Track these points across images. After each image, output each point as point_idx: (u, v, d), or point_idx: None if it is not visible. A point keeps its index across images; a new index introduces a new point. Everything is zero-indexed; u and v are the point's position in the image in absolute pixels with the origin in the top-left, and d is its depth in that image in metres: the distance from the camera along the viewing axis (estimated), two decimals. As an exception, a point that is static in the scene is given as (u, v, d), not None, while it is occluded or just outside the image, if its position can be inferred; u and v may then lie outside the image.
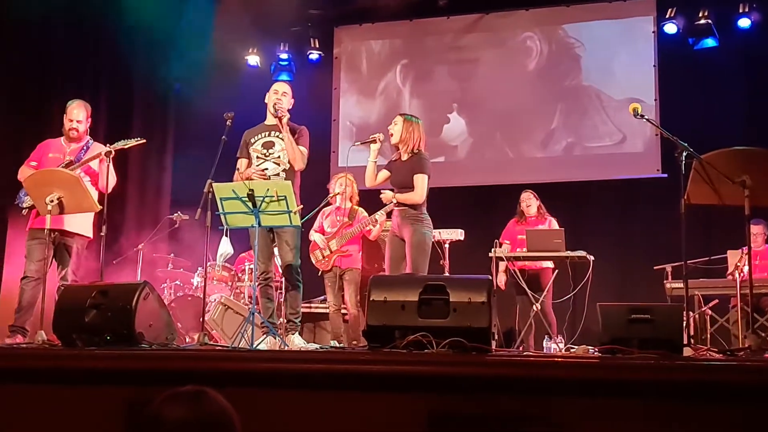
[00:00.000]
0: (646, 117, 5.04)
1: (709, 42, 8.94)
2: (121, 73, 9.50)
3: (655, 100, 8.93)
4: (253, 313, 5.13)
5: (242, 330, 5.15)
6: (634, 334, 3.86)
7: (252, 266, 6.74)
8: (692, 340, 5.23)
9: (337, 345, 6.44)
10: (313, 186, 6.77)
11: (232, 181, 5.50)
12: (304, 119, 5.96)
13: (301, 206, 5.52)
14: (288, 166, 5.67)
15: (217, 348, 4.89)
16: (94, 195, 5.80)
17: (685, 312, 4.82)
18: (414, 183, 5.77)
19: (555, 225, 7.62)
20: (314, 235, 7.12)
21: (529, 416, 3.21)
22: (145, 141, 6.12)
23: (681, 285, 5.94)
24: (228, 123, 5.48)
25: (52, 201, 5.29)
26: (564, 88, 9.41)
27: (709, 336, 7.06)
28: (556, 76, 9.47)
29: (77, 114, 6.18)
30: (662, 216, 7.77)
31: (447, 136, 9.40)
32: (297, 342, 5.45)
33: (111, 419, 3.52)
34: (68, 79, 8.87)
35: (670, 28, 9.04)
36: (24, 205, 5.97)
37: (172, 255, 8.40)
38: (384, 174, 6.01)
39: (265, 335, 5.40)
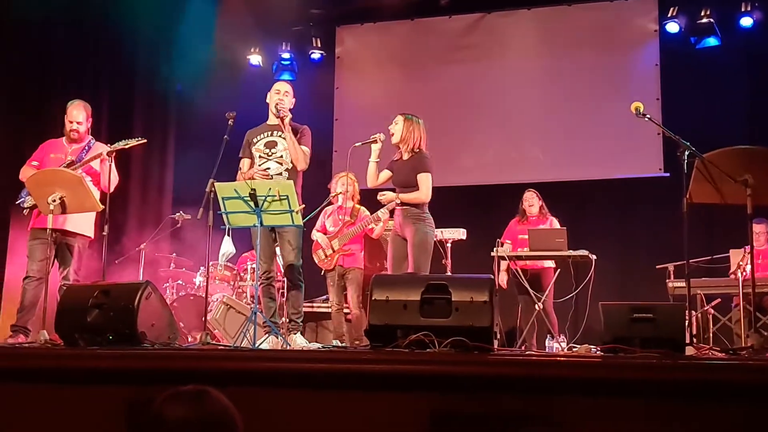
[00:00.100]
0: (648, 116, 5.03)
1: (711, 41, 8.94)
2: (122, 73, 9.51)
3: (657, 99, 8.92)
4: (255, 313, 5.13)
5: (244, 329, 5.16)
6: (637, 333, 3.86)
7: (254, 266, 6.74)
8: (694, 340, 5.22)
9: (340, 344, 6.45)
10: (314, 186, 6.78)
11: (234, 180, 5.50)
12: (305, 119, 5.96)
13: (303, 206, 5.52)
14: (291, 165, 5.67)
15: (220, 347, 4.89)
16: (96, 195, 5.80)
17: (687, 311, 4.82)
18: (418, 182, 5.76)
19: (556, 224, 7.61)
20: (316, 235, 7.12)
21: (531, 415, 3.21)
22: (146, 141, 6.11)
23: (683, 284, 5.95)
24: (230, 122, 5.48)
25: (54, 201, 5.30)
26: (566, 87, 9.39)
27: (711, 335, 7.06)
28: (557, 75, 9.46)
29: (77, 115, 6.18)
30: (664, 215, 7.76)
31: (449, 135, 9.39)
32: (299, 341, 5.45)
33: (113, 419, 3.52)
34: (69, 78, 8.88)
35: (672, 28, 9.04)
36: (25, 205, 5.97)
37: (174, 254, 8.41)
38: (385, 174, 6.00)
39: (267, 335, 5.40)
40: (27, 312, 5.84)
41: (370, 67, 10.11)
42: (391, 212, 6.13)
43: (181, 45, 9.09)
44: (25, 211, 6.02)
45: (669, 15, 9.01)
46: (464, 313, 3.79)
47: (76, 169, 5.84)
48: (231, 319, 7.15)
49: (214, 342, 5.38)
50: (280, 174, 5.63)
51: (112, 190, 5.76)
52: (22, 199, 6.00)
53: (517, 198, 7.93)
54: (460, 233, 7.34)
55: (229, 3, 9.20)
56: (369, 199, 6.93)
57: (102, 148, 5.99)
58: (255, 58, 10.18)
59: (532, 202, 7.77)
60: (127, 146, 5.86)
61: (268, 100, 5.86)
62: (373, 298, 3.96)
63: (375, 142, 5.94)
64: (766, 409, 3.07)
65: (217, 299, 7.43)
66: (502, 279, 7.48)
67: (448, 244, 7.28)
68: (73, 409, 3.70)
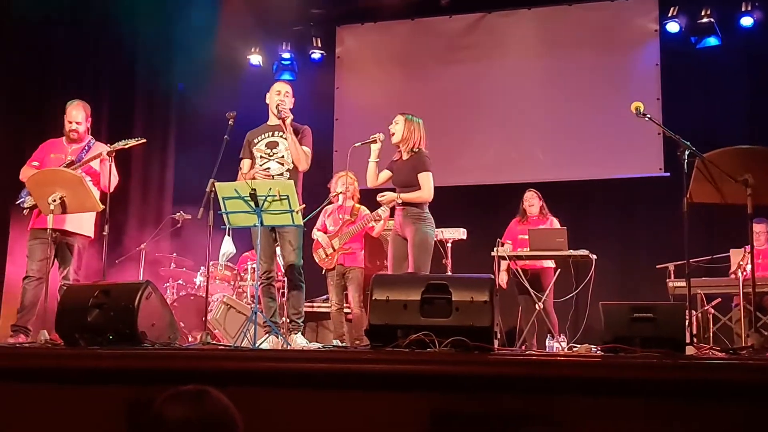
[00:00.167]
0: (648, 116, 5.02)
1: (712, 41, 8.94)
2: (122, 73, 9.51)
3: (658, 98, 8.91)
4: (255, 313, 5.13)
5: (245, 329, 5.15)
6: (637, 332, 3.85)
7: (254, 265, 6.74)
8: (695, 339, 5.21)
9: (340, 344, 6.45)
10: (314, 186, 6.78)
11: (235, 181, 5.49)
12: (306, 118, 5.96)
13: (303, 205, 5.52)
14: (292, 166, 5.67)
15: (220, 347, 4.89)
16: (96, 194, 5.80)
17: (687, 311, 4.81)
18: (420, 182, 5.76)
19: (557, 225, 7.61)
20: (317, 234, 7.13)
21: (531, 415, 3.21)
22: (145, 141, 6.11)
23: (683, 284, 5.94)
24: (230, 122, 5.48)
25: (54, 201, 5.30)
26: (566, 87, 9.39)
27: (711, 335, 7.06)
28: (558, 75, 9.46)
29: (76, 115, 6.19)
30: (665, 215, 7.77)
31: (449, 135, 9.38)
32: (299, 341, 5.45)
33: (113, 419, 3.52)
34: (69, 78, 8.87)
35: (673, 27, 9.03)
36: (25, 205, 5.98)
37: (174, 254, 8.41)
38: (385, 174, 6.00)
39: (267, 334, 5.40)
40: (27, 312, 5.84)
41: (371, 67, 10.10)
42: (392, 212, 6.13)
43: (181, 45, 9.09)
44: (25, 211, 6.02)
45: (669, 15, 9.01)
46: (464, 313, 3.79)
47: (76, 169, 5.84)
48: (231, 319, 7.15)
49: (214, 342, 5.38)
50: (282, 174, 5.62)
51: (111, 190, 5.76)
52: (22, 199, 6.01)
53: (517, 198, 7.93)
54: (461, 233, 7.34)
55: (230, 3, 9.19)
56: (369, 198, 6.93)
57: (102, 148, 5.99)
58: (255, 58, 10.18)
59: (532, 202, 7.77)
60: (126, 146, 5.86)
61: (267, 101, 5.85)
62: (373, 298, 3.96)
63: (374, 142, 5.94)
64: (767, 409, 3.07)
65: (218, 299, 7.43)
66: (503, 279, 7.48)
67: (449, 244, 7.29)
68: (73, 409, 3.70)
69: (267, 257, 5.63)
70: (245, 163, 5.79)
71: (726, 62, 8.88)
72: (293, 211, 5.05)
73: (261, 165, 5.68)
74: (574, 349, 5.59)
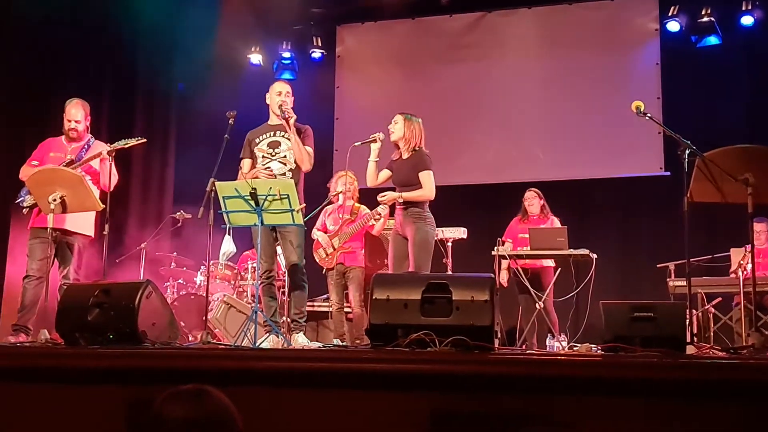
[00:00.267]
0: (648, 115, 5.02)
1: (712, 40, 8.94)
2: (123, 72, 9.51)
3: (658, 98, 8.91)
4: (255, 312, 5.13)
5: (245, 328, 5.15)
6: (637, 332, 3.85)
7: (254, 265, 6.74)
8: (695, 338, 5.21)
9: (340, 343, 6.45)
10: (314, 185, 6.78)
11: (235, 180, 5.49)
12: (306, 118, 5.95)
13: (304, 205, 5.51)
14: (294, 165, 5.66)
15: (220, 347, 4.89)
16: (96, 194, 5.80)
17: (687, 310, 4.81)
18: (421, 180, 5.76)
19: (557, 224, 7.61)
20: (317, 234, 7.13)
21: (531, 415, 3.21)
22: (145, 140, 6.11)
23: (684, 283, 5.94)
24: (230, 121, 5.48)
25: (55, 200, 5.30)
26: (566, 86, 9.39)
27: (712, 334, 7.06)
28: (558, 74, 9.45)
29: (75, 114, 6.18)
30: (665, 214, 7.77)
31: (449, 134, 9.39)
32: (300, 341, 5.45)
33: (114, 418, 3.52)
34: (70, 78, 8.86)
35: (673, 26, 9.03)
36: (25, 204, 5.97)
37: (174, 253, 8.41)
38: (385, 173, 6.00)
39: (267, 334, 5.41)
40: (28, 311, 5.84)
41: (371, 66, 10.10)
42: (392, 211, 6.13)
43: (182, 44, 9.09)
44: (25, 210, 6.02)
45: (670, 14, 9.01)
46: (465, 312, 3.79)
47: (75, 168, 5.84)
48: (231, 318, 7.15)
49: (214, 341, 5.39)
50: (284, 174, 5.61)
51: (111, 189, 5.75)
52: (22, 198, 6.00)
53: (517, 197, 7.93)
54: (461, 232, 7.34)
55: (230, 2, 9.19)
56: (368, 198, 6.93)
57: (101, 147, 5.99)
58: (256, 57, 10.18)
59: (532, 202, 7.76)
60: (126, 146, 5.86)
61: (268, 101, 5.84)
62: (373, 297, 3.96)
63: (374, 141, 5.95)
64: (767, 409, 3.06)
65: (218, 298, 7.43)
66: (503, 278, 7.48)
67: (449, 243, 7.28)
68: (73, 409, 3.70)
69: (267, 256, 5.62)
70: (245, 163, 5.77)
71: (726, 61, 8.88)
72: (293, 210, 5.05)
73: (263, 165, 5.67)
74: (575, 348, 5.59)
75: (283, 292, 6.75)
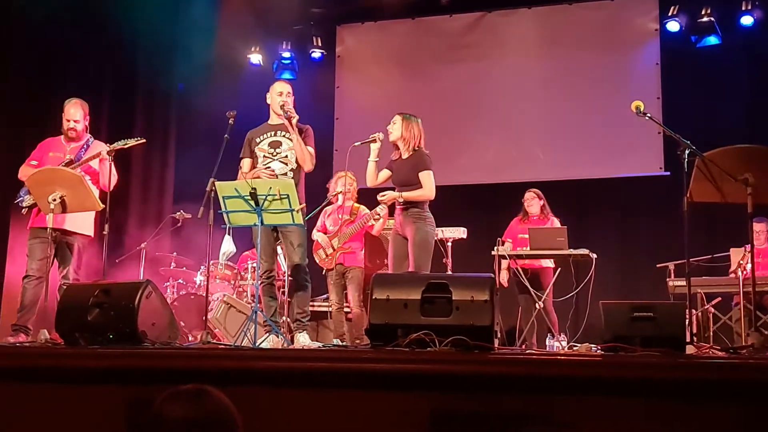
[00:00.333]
0: (648, 115, 5.02)
1: (712, 40, 8.94)
2: (123, 72, 9.52)
3: (658, 98, 8.91)
4: (255, 312, 5.13)
5: (245, 328, 5.15)
6: (637, 332, 3.85)
7: (254, 264, 6.74)
8: (695, 338, 5.22)
9: (340, 343, 6.45)
10: (314, 185, 6.78)
11: (235, 180, 5.48)
12: (306, 118, 5.94)
13: (304, 204, 5.51)
14: (295, 165, 5.65)
15: (220, 347, 4.89)
16: (96, 194, 5.80)
17: (687, 310, 4.81)
18: (421, 180, 5.76)
19: (557, 225, 7.61)
20: (316, 235, 7.13)
21: (531, 415, 3.21)
22: (145, 141, 6.11)
23: (683, 283, 5.95)
24: (230, 121, 5.48)
25: (54, 200, 5.30)
26: (566, 86, 9.39)
27: (711, 334, 7.05)
28: (558, 74, 9.45)
29: (74, 113, 6.18)
30: (665, 214, 7.77)
31: (449, 134, 9.39)
32: (302, 340, 5.45)
33: (114, 418, 3.52)
34: (70, 78, 8.87)
35: (673, 26, 9.03)
36: (24, 204, 5.97)
37: (174, 253, 8.41)
38: (385, 173, 6.00)
39: (267, 334, 5.40)
40: (27, 311, 5.83)
41: (371, 66, 10.10)
42: (392, 211, 6.13)
43: (181, 44, 9.08)
44: (24, 210, 6.01)
45: (669, 14, 9.01)
46: (465, 312, 3.79)
47: (75, 168, 5.84)
48: (231, 318, 7.15)
49: (214, 341, 5.39)
50: (285, 174, 5.60)
51: (111, 189, 5.75)
52: (21, 198, 6.00)
53: (517, 197, 7.93)
54: (461, 232, 7.34)
55: (230, 2, 9.19)
56: (368, 198, 6.93)
57: (101, 147, 5.99)
58: (255, 57, 10.18)
59: (531, 202, 7.76)
60: (126, 146, 5.85)
61: (268, 101, 5.84)
62: (373, 297, 3.96)
63: (374, 141, 5.95)
64: (767, 409, 3.06)
65: (218, 298, 7.43)
66: (503, 278, 7.48)
67: (449, 243, 7.28)
68: (73, 409, 3.70)
69: (267, 256, 5.61)
70: (245, 163, 5.77)
71: (726, 61, 8.88)
72: (293, 210, 5.05)
73: (264, 164, 5.66)
74: (575, 348, 5.59)
75: (283, 292, 6.75)
